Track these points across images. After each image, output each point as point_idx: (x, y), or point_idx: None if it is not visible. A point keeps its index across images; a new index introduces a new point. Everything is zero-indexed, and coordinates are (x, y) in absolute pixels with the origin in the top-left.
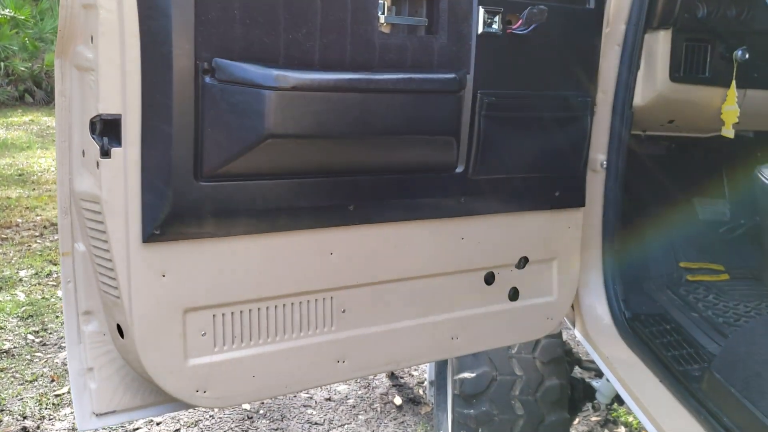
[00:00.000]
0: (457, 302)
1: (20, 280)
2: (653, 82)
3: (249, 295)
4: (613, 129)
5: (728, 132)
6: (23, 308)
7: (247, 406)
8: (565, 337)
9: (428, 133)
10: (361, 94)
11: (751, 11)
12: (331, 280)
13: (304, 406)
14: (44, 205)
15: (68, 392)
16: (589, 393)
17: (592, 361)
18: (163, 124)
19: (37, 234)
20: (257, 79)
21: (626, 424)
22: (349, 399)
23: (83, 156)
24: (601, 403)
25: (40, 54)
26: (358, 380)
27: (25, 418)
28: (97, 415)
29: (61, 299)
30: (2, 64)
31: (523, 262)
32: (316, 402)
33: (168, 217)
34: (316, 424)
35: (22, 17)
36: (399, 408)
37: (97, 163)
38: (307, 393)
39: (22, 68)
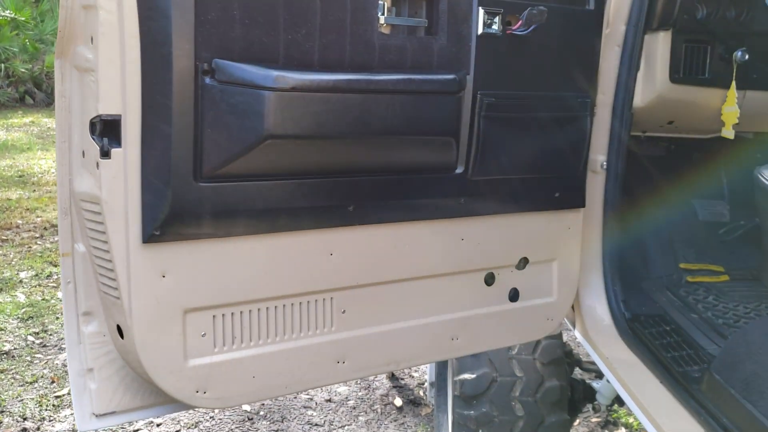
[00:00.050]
0: (457, 303)
1: (20, 281)
2: (653, 83)
3: (249, 296)
4: (613, 130)
5: (728, 133)
6: (23, 310)
7: (247, 408)
8: (565, 338)
9: (428, 134)
10: (361, 95)
11: (751, 12)
12: (331, 281)
13: (305, 407)
14: (44, 207)
15: (68, 393)
16: (590, 394)
17: (593, 362)
18: (162, 125)
19: (37, 235)
20: (257, 80)
21: (626, 425)
22: (349, 400)
23: (83, 156)
24: (601, 404)
25: (40, 55)
26: (359, 381)
27: (25, 419)
28: (96, 415)
29: (61, 301)
30: (3, 65)
31: (523, 262)
32: (316, 403)
33: (168, 217)
34: (316, 425)
35: (23, 19)
36: (399, 409)
37: (97, 163)
38: (307, 394)
39: (23, 70)
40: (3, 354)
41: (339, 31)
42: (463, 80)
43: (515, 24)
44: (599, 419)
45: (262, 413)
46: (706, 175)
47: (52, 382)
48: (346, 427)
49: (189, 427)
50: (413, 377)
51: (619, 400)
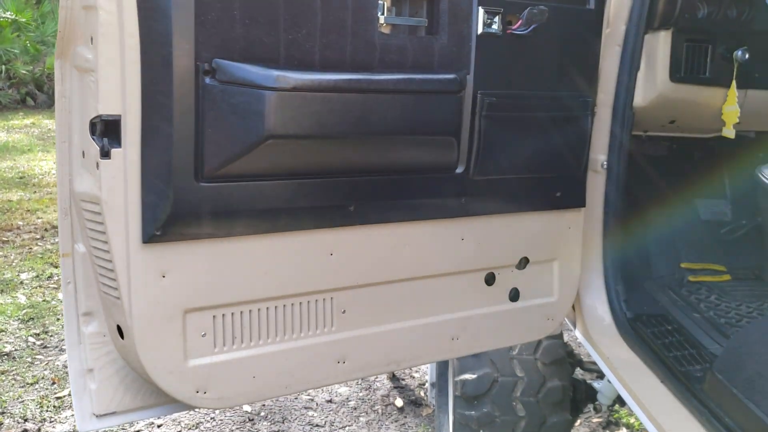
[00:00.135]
0: (458, 303)
1: (21, 282)
2: (654, 82)
3: (249, 296)
4: (614, 129)
5: (729, 132)
6: (24, 311)
7: (248, 408)
8: (566, 338)
9: (428, 134)
10: (362, 95)
11: (752, 11)
12: (331, 281)
13: (305, 408)
14: (45, 208)
15: (69, 394)
16: (591, 394)
17: (594, 363)
18: (163, 125)
19: (38, 237)
20: (258, 80)
21: (628, 426)
22: (350, 401)
23: (83, 157)
24: (602, 405)
25: (41, 57)
26: (359, 382)
27: (26, 420)
28: (97, 416)
29: (62, 302)
30: (4, 67)
31: (524, 262)
32: (317, 404)
33: (168, 217)
34: (317, 426)
35: (24, 20)
36: (400, 410)
37: (97, 163)
38: (308, 395)
39: (24, 71)
40: (4, 355)
41: (339, 30)
42: (463, 80)
43: (515, 23)
44: (600, 419)
45: (262, 414)
46: (708, 174)
47: (53, 383)
48: (347, 428)
49: (190, 428)
50: (414, 378)
51: (620, 401)
